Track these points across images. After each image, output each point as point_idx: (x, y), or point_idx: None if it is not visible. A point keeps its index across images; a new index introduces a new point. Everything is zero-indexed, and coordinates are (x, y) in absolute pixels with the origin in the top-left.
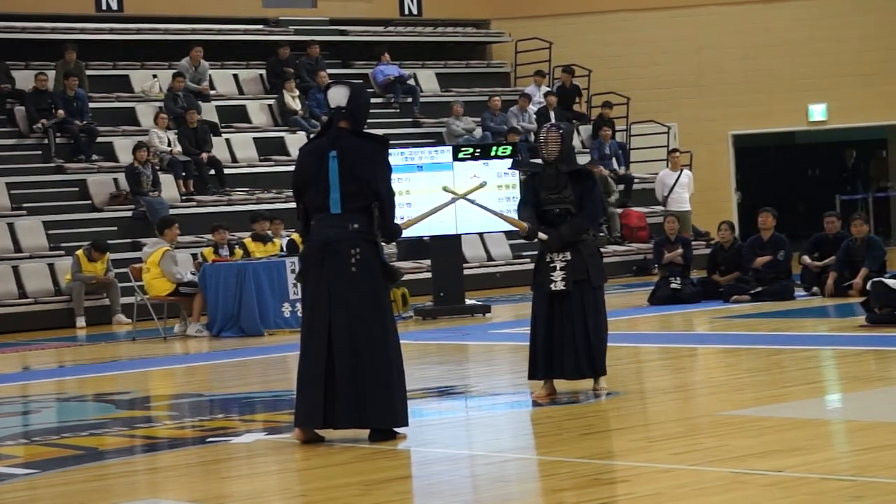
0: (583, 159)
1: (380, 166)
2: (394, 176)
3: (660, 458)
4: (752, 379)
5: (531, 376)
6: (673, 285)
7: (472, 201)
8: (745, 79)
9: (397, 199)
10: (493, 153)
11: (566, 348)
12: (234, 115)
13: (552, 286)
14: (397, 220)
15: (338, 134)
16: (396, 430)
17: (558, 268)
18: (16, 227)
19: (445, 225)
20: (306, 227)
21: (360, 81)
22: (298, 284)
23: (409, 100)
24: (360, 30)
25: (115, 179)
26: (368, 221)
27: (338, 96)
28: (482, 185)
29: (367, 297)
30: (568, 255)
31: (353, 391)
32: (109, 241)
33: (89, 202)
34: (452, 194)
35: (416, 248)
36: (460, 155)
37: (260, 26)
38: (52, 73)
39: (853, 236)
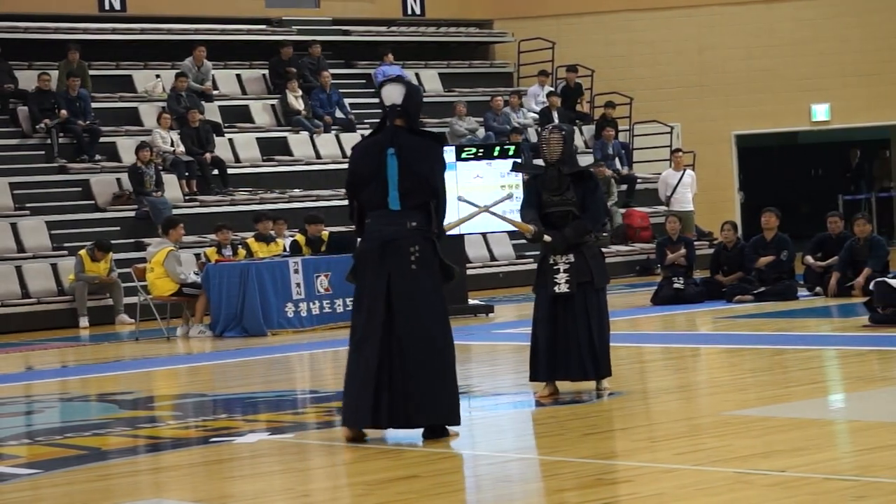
0: (585, 159)
1: (437, 163)
2: None
3: (663, 458)
4: (755, 379)
5: (533, 378)
6: (676, 285)
7: (494, 213)
8: (748, 79)
9: None
10: (495, 153)
11: (571, 350)
12: (237, 115)
13: (556, 288)
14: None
15: (395, 131)
16: (449, 428)
17: (562, 270)
18: (19, 227)
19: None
20: (361, 224)
21: (414, 80)
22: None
23: None
24: (362, 30)
25: (119, 179)
26: (426, 219)
27: (393, 94)
28: (509, 197)
29: (426, 295)
30: (571, 258)
31: (407, 390)
32: (112, 242)
33: (92, 202)
34: (474, 206)
35: None
36: (463, 155)
37: (263, 26)
38: (55, 73)
39: (856, 236)
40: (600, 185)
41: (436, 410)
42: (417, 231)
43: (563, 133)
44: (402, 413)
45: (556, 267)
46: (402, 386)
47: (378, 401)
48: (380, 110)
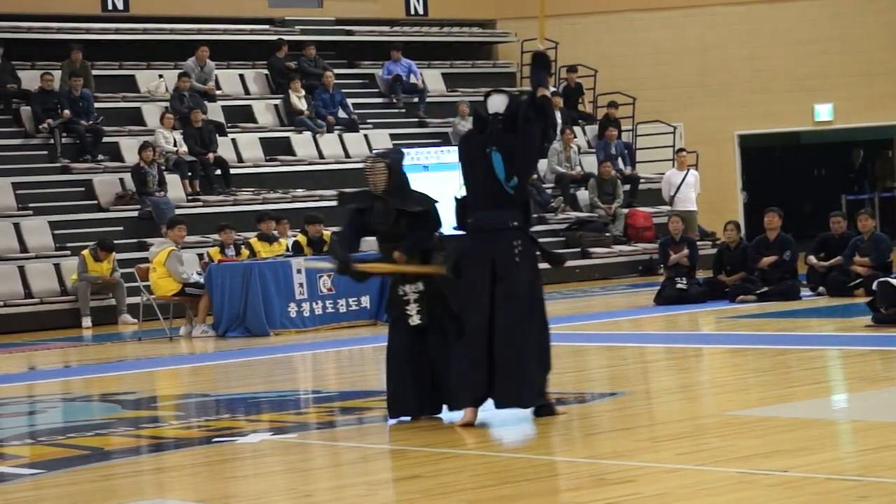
0: (588, 160)
1: (533, 162)
2: None
3: (665, 458)
4: (757, 379)
5: (395, 414)
6: (679, 285)
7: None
8: (751, 79)
9: None
10: None
11: (437, 382)
12: (240, 115)
13: (409, 320)
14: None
15: (497, 134)
16: (557, 409)
17: (412, 300)
18: (22, 227)
19: (451, 225)
20: (463, 217)
21: (517, 92)
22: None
23: (416, 100)
24: (365, 30)
25: (121, 179)
26: (526, 215)
27: (496, 103)
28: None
29: (527, 287)
30: (420, 286)
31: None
32: (115, 242)
33: (95, 202)
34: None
35: None
36: None
37: (266, 26)
38: (57, 73)
39: (860, 233)
40: (435, 216)
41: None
42: (518, 227)
43: (387, 162)
44: (514, 393)
45: (405, 297)
46: (506, 368)
47: (489, 383)
48: (384, 108)
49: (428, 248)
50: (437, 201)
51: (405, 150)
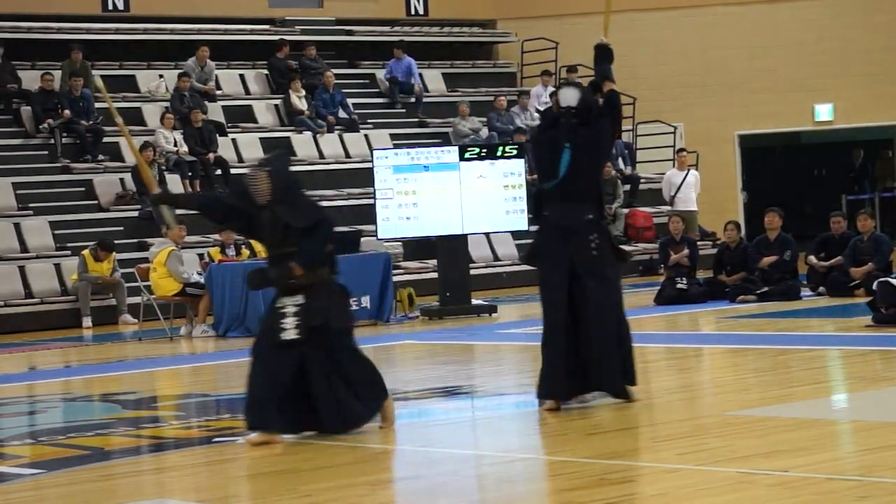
0: None
1: (605, 157)
2: (399, 176)
3: (666, 457)
4: (757, 379)
5: (261, 428)
6: (679, 285)
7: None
8: (751, 79)
9: (403, 200)
10: (498, 153)
11: (320, 402)
12: (241, 116)
13: (282, 335)
14: (403, 216)
15: (571, 128)
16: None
17: (289, 313)
18: (22, 227)
19: (452, 225)
20: (539, 209)
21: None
22: None
23: (413, 100)
24: (366, 30)
25: (122, 179)
26: (600, 209)
27: (568, 97)
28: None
29: (606, 279)
30: (300, 299)
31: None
32: (115, 242)
33: (95, 202)
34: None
35: (423, 247)
36: (466, 155)
37: (266, 26)
38: (58, 73)
39: (860, 233)
40: (328, 226)
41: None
42: (594, 221)
43: (269, 170)
44: (609, 382)
45: (282, 310)
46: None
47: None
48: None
49: (323, 257)
50: (323, 209)
51: (406, 150)
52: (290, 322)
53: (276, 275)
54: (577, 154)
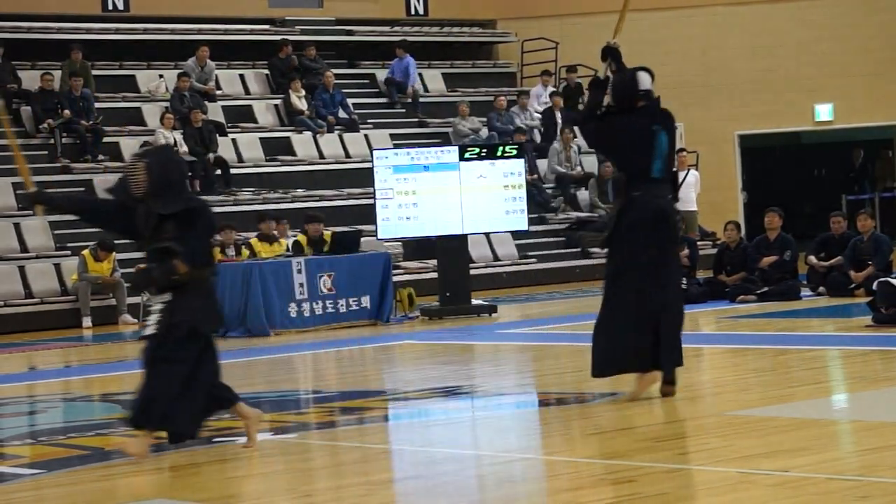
0: (589, 160)
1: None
2: (399, 176)
3: (666, 457)
4: (758, 379)
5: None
6: None
7: None
8: (752, 79)
9: (403, 200)
10: (498, 153)
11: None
12: (241, 116)
13: (145, 331)
14: (403, 216)
15: (654, 110)
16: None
17: (155, 311)
18: (22, 227)
19: (452, 225)
20: (626, 191)
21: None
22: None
23: (409, 100)
24: (366, 30)
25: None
26: (674, 191)
27: (646, 81)
28: None
29: (677, 260)
30: (167, 297)
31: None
32: (115, 241)
33: None
34: None
35: (423, 247)
36: (466, 155)
37: (266, 26)
38: (58, 73)
39: (860, 233)
40: (206, 219)
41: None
42: (673, 202)
43: (147, 162)
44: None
45: (151, 307)
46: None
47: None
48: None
49: (208, 256)
50: (200, 205)
51: (406, 150)
52: (153, 318)
53: (158, 273)
54: (669, 135)
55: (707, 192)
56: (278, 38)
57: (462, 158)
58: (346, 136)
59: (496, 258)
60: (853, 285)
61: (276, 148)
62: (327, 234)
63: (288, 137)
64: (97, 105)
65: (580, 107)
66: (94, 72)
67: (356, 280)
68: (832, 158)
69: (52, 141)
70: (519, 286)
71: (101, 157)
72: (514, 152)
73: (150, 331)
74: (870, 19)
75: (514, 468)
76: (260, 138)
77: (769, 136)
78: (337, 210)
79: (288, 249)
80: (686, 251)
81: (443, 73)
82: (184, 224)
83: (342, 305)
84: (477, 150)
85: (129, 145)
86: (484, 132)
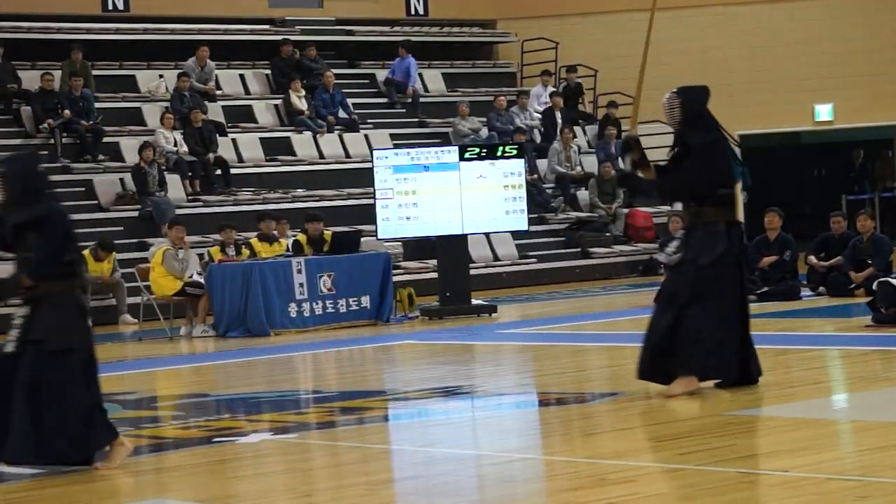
0: (589, 160)
1: None
2: (399, 176)
3: (666, 457)
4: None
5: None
6: None
7: None
8: (751, 79)
9: (403, 200)
10: (498, 153)
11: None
12: (241, 116)
13: (6, 346)
14: (403, 216)
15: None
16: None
17: (15, 325)
18: None
19: (452, 225)
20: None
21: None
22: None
23: (409, 100)
24: (366, 30)
25: (122, 179)
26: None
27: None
28: None
29: None
30: (27, 311)
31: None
32: (116, 241)
33: (95, 202)
34: None
35: (423, 247)
36: (466, 155)
37: (266, 26)
38: (58, 74)
39: (860, 234)
40: (56, 228)
41: None
42: None
43: (2, 172)
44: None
45: (13, 321)
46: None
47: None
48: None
49: (57, 268)
50: (56, 209)
51: (406, 150)
52: (13, 334)
53: (3, 287)
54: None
55: None
56: (278, 38)
57: (462, 158)
58: (346, 136)
59: (496, 258)
60: (853, 285)
61: (276, 148)
62: (327, 233)
63: (288, 137)
64: (97, 105)
65: (580, 107)
66: (95, 72)
67: (356, 280)
68: (832, 158)
69: (52, 141)
70: (519, 286)
71: (101, 157)
72: (514, 152)
73: (9, 348)
74: (870, 19)
75: (514, 468)
76: (260, 138)
77: (769, 136)
78: (337, 210)
79: (288, 249)
80: None
81: (443, 73)
82: (38, 234)
83: (342, 305)
84: (477, 150)
85: (130, 145)
86: (484, 132)
